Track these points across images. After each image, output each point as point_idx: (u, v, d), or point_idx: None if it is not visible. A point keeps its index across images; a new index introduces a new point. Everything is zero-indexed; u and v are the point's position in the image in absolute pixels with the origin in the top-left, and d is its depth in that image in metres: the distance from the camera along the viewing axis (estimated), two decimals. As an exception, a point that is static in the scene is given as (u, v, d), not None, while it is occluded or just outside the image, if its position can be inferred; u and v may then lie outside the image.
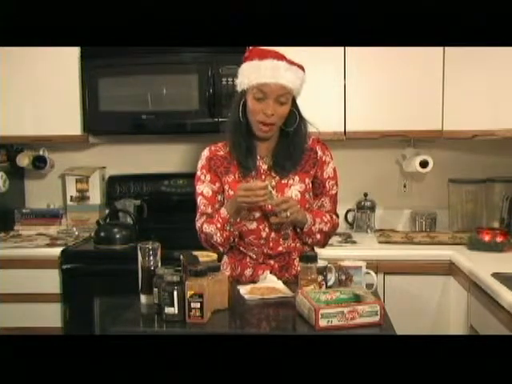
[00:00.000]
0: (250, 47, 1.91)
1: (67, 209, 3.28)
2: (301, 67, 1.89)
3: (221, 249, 1.96)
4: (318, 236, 1.95)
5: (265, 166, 1.97)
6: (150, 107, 2.89)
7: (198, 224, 1.97)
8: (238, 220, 1.91)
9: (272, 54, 1.85)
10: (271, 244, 1.95)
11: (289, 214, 1.82)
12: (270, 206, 1.88)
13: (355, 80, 2.83)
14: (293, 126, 1.93)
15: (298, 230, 1.95)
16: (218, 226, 1.90)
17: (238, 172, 1.96)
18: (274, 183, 1.93)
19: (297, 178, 1.95)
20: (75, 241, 2.91)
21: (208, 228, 1.92)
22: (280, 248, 1.96)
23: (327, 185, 2.00)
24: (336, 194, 2.03)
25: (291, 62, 1.86)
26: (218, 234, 1.91)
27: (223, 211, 1.90)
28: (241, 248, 1.98)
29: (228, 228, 1.90)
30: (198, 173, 2.01)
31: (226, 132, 1.97)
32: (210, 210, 1.95)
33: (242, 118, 1.91)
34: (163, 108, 2.89)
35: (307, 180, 1.97)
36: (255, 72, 1.83)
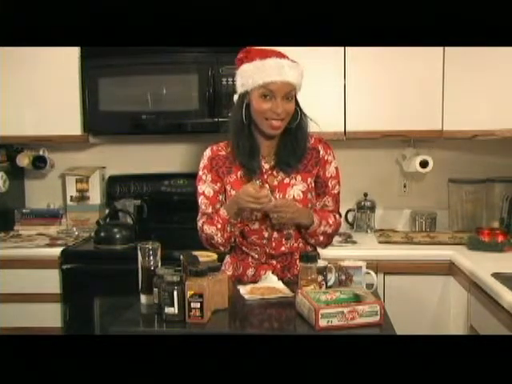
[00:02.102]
0: (244, 49, 1.91)
1: (67, 209, 3.28)
2: (297, 63, 1.90)
3: (222, 249, 1.96)
4: (321, 238, 1.96)
5: (267, 166, 1.97)
6: (149, 107, 2.89)
7: (198, 224, 1.97)
8: (239, 220, 1.91)
9: (274, 52, 1.87)
10: (274, 244, 1.95)
11: (276, 216, 1.85)
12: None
13: (355, 80, 2.83)
14: (295, 121, 1.93)
15: (302, 230, 1.95)
16: (219, 226, 1.90)
17: (241, 172, 1.96)
18: (276, 182, 1.93)
19: (299, 177, 1.95)
20: (75, 241, 2.91)
21: (209, 229, 1.92)
22: (282, 248, 1.96)
23: (330, 184, 1.99)
24: (338, 193, 2.03)
25: (291, 60, 1.88)
26: (219, 235, 1.91)
27: (222, 212, 1.89)
28: (243, 248, 1.98)
29: (229, 229, 1.90)
30: (200, 173, 2.01)
31: (229, 134, 1.97)
32: (210, 210, 1.95)
33: (245, 120, 1.91)
34: (163, 108, 2.89)
35: (309, 179, 1.96)
36: (259, 72, 1.83)
